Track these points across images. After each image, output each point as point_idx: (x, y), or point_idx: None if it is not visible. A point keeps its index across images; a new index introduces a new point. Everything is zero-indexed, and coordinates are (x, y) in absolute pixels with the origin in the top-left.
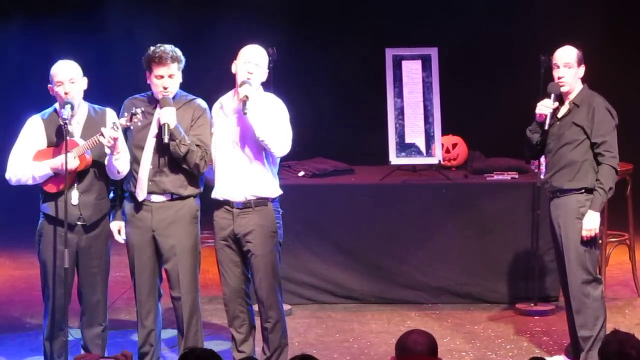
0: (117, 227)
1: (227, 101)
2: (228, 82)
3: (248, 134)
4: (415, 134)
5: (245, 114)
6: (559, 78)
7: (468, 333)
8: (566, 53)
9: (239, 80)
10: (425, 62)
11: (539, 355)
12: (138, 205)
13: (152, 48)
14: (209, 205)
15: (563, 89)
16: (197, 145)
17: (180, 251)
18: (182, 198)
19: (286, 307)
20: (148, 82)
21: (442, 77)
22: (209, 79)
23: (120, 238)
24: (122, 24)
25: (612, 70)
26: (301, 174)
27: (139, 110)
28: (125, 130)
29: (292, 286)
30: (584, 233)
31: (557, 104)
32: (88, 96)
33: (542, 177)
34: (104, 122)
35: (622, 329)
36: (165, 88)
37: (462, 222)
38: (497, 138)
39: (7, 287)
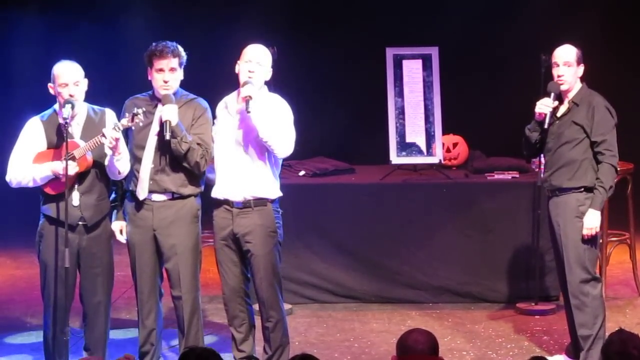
0: (118, 227)
1: (232, 101)
2: (231, 82)
3: (251, 134)
4: (415, 134)
5: (248, 112)
6: (559, 76)
7: (469, 332)
8: (566, 52)
9: (241, 80)
10: (426, 61)
11: (539, 355)
12: (139, 205)
13: (153, 44)
14: (210, 205)
15: (562, 88)
16: (198, 144)
17: (181, 250)
18: (182, 197)
19: (287, 306)
20: (149, 78)
21: (442, 77)
22: (210, 79)
23: (122, 238)
24: (123, 23)
25: (612, 69)
26: (302, 173)
27: (140, 111)
28: (126, 130)
29: (293, 285)
30: (585, 232)
31: (556, 103)
32: (88, 96)
33: (542, 176)
34: (104, 122)
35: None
36: (165, 82)
37: (463, 221)
38: (497, 137)
39: (7, 286)
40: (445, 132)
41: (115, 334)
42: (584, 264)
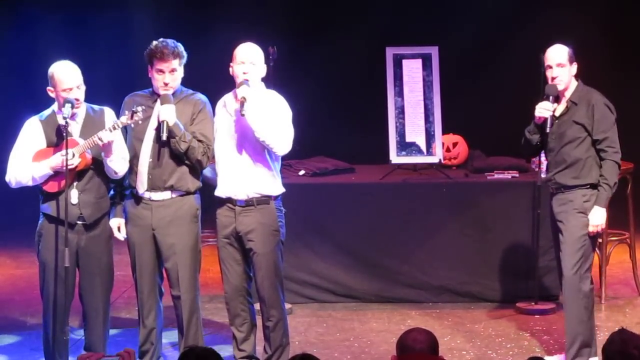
0: (116, 224)
1: (230, 100)
2: (230, 80)
3: (250, 133)
4: (415, 133)
5: (242, 115)
6: (553, 78)
7: (468, 332)
8: (557, 53)
9: (237, 82)
10: (426, 60)
11: (539, 355)
12: (138, 204)
13: (154, 42)
14: (210, 204)
15: (559, 88)
16: (200, 141)
17: (180, 250)
18: (181, 195)
19: (287, 306)
20: (149, 75)
21: (442, 76)
22: (210, 78)
23: (120, 235)
24: (122, 22)
25: (611, 67)
26: (302, 172)
27: (139, 109)
28: (126, 127)
29: (293, 285)
30: (591, 229)
31: (556, 105)
32: (87, 94)
33: (542, 175)
34: (103, 121)
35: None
36: (166, 84)
37: (463, 221)
38: (497, 137)
39: (7, 286)
40: (445, 131)
41: (115, 333)
42: (579, 259)
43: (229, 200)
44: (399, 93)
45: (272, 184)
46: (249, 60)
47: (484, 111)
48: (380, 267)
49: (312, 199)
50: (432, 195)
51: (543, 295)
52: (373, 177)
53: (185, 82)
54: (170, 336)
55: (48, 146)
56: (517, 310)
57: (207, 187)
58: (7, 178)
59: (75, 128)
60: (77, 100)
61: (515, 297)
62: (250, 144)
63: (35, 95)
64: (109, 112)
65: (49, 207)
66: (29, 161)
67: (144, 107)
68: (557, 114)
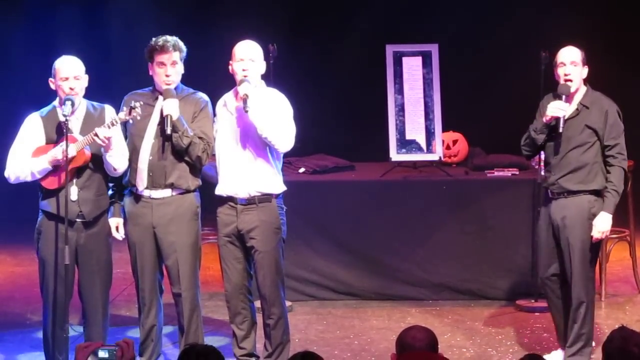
0: (115, 223)
1: (230, 99)
2: (229, 79)
3: (251, 131)
4: (415, 131)
5: (246, 112)
6: (566, 75)
7: (468, 329)
8: (572, 52)
9: (237, 79)
10: (426, 58)
11: (538, 352)
12: (138, 202)
13: (153, 39)
14: (210, 202)
15: (572, 88)
16: (200, 138)
17: (181, 248)
18: (181, 193)
19: (287, 303)
20: (150, 73)
21: (442, 74)
22: (209, 77)
23: (119, 235)
24: (123, 20)
25: (611, 65)
26: (302, 170)
27: (137, 104)
28: (125, 124)
29: (293, 283)
30: (597, 235)
31: (568, 105)
32: (88, 92)
33: (542, 173)
34: (103, 118)
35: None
36: (168, 76)
37: (463, 218)
38: (497, 134)
39: (7, 283)
40: (445, 129)
41: (115, 331)
42: (589, 264)
43: (230, 198)
44: (399, 91)
45: (273, 182)
46: (248, 57)
47: (484, 109)
48: (380, 264)
49: (312, 196)
50: (432, 193)
51: (543, 292)
52: (373, 175)
53: (185, 81)
54: (170, 334)
55: (47, 143)
56: (517, 307)
57: (207, 185)
58: (6, 173)
59: (75, 125)
60: (71, 89)
61: (515, 294)
62: (252, 142)
63: (35, 91)
64: (109, 110)
65: (48, 204)
66: (28, 157)
67: (142, 103)
68: (566, 117)
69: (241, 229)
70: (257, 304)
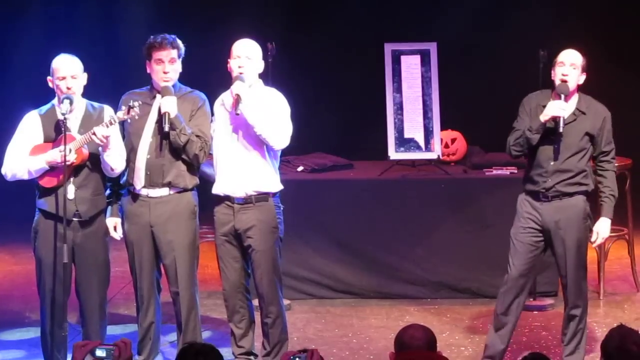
0: (112, 223)
1: (228, 97)
2: (228, 78)
3: (248, 130)
4: (414, 129)
5: (237, 114)
6: (564, 75)
7: (467, 328)
8: (574, 54)
9: (233, 77)
10: (424, 57)
11: (537, 350)
12: (135, 201)
13: (151, 36)
14: (208, 201)
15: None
16: (197, 136)
17: (178, 247)
18: (179, 191)
19: (285, 302)
20: (148, 71)
21: (441, 72)
22: (208, 76)
23: (116, 235)
24: (122, 19)
25: (611, 64)
26: (300, 169)
27: (136, 104)
28: (123, 123)
29: (291, 281)
30: (600, 241)
31: (568, 104)
32: (87, 91)
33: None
34: (102, 118)
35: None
36: (165, 73)
37: (461, 217)
38: (496, 133)
39: (6, 282)
40: (443, 127)
41: (114, 330)
42: (584, 266)
43: (227, 198)
44: (398, 89)
45: (270, 181)
46: (244, 54)
47: (482, 107)
48: (379, 263)
49: (311, 195)
50: (431, 192)
51: (541, 291)
52: (371, 173)
53: (183, 79)
54: (168, 332)
55: (45, 141)
56: None
57: (205, 183)
58: (3, 171)
59: (73, 124)
60: (68, 88)
61: None
62: (249, 141)
63: (35, 88)
64: (108, 110)
65: (45, 203)
66: (25, 155)
67: (140, 102)
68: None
69: (238, 228)
70: (256, 302)
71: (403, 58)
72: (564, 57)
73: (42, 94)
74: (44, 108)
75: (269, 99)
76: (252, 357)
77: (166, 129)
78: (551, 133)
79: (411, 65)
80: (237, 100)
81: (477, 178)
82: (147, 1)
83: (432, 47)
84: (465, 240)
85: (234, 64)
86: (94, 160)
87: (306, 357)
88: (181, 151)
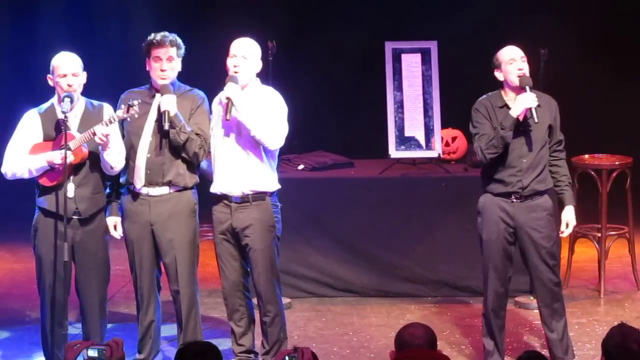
0: (113, 222)
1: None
2: (226, 76)
3: (245, 129)
4: (414, 128)
5: (227, 120)
6: (520, 69)
7: (467, 326)
8: (518, 49)
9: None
10: (425, 55)
11: (537, 349)
12: (135, 200)
13: (152, 34)
14: (208, 199)
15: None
16: (197, 134)
17: (179, 245)
18: (179, 190)
19: (286, 300)
20: (147, 68)
21: (441, 71)
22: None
23: (117, 234)
24: (122, 17)
25: (612, 62)
26: (301, 167)
27: (135, 102)
28: (123, 122)
29: (292, 279)
30: (570, 230)
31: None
32: (86, 90)
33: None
34: (101, 117)
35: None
36: (163, 70)
37: (462, 215)
38: None
39: (6, 280)
40: (444, 126)
41: (114, 328)
42: (557, 265)
43: (224, 197)
44: (398, 87)
45: (267, 180)
46: (240, 53)
47: None
48: (380, 261)
49: (311, 193)
50: (431, 190)
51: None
52: (372, 172)
53: (183, 78)
54: (169, 331)
55: (45, 139)
56: (515, 304)
57: (205, 182)
58: (3, 170)
59: (73, 122)
60: (69, 85)
61: (514, 291)
62: (245, 140)
63: (34, 87)
64: (107, 109)
65: (44, 201)
66: (25, 154)
67: (139, 101)
68: (522, 118)
69: (235, 227)
70: (255, 300)
71: (404, 56)
72: (512, 53)
73: (42, 93)
74: (44, 106)
75: (265, 99)
76: (252, 356)
77: (166, 127)
78: (517, 131)
79: (412, 64)
80: (228, 104)
81: (477, 176)
82: (147, 0)
83: (433, 46)
84: (466, 239)
85: (230, 63)
86: (94, 159)
87: (297, 356)
88: (181, 149)
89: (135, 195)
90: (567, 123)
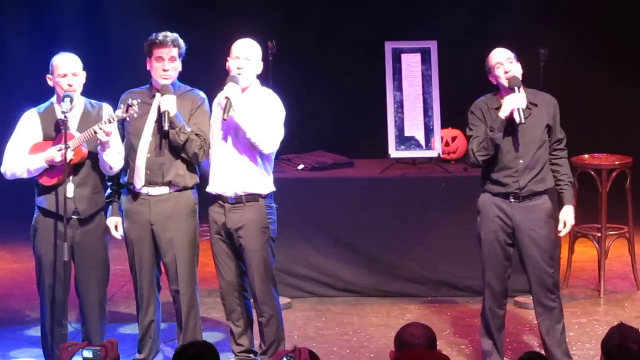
0: (114, 222)
1: (222, 98)
2: (226, 76)
3: (241, 131)
4: (414, 127)
5: (224, 120)
6: (507, 72)
7: (467, 326)
8: (506, 51)
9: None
10: (425, 55)
11: (537, 349)
12: (135, 200)
13: (153, 34)
14: (208, 199)
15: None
16: (197, 135)
17: (179, 245)
18: (179, 190)
19: (286, 300)
20: (148, 68)
21: (441, 71)
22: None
23: (117, 234)
24: (122, 17)
25: (612, 61)
26: (300, 167)
27: (135, 102)
28: (122, 122)
29: (292, 279)
30: (567, 229)
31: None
32: (86, 90)
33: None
34: (101, 117)
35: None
36: (165, 70)
37: (462, 215)
38: None
39: (6, 280)
40: (444, 125)
41: (114, 328)
42: (556, 267)
43: (219, 197)
44: (398, 87)
45: (261, 183)
46: (243, 55)
47: None
48: (379, 261)
49: (311, 193)
50: (431, 190)
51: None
52: (372, 172)
53: (183, 78)
54: (169, 330)
55: (45, 139)
56: (515, 304)
57: (205, 182)
58: (2, 169)
59: (72, 122)
60: (69, 85)
61: (514, 291)
62: (241, 142)
63: (33, 87)
64: (107, 108)
65: (44, 201)
66: (24, 153)
67: (139, 101)
68: (517, 119)
69: (229, 227)
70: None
71: (403, 56)
72: (499, 57)
73: (41, 93)
74: (43, 106)
75: (263, 102)
76: (252, 355)
77: (166, 127)
78: (511, 132)
79: (412, 64)
80: (227, 104)
81: (477, 176)
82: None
83: (433, 46)
84: (466, 238)
85: (232, 64)
86: (93, 159)
87: (294, 356)
88: (180, 150)
89: (135, 195)
90: (567, 123)
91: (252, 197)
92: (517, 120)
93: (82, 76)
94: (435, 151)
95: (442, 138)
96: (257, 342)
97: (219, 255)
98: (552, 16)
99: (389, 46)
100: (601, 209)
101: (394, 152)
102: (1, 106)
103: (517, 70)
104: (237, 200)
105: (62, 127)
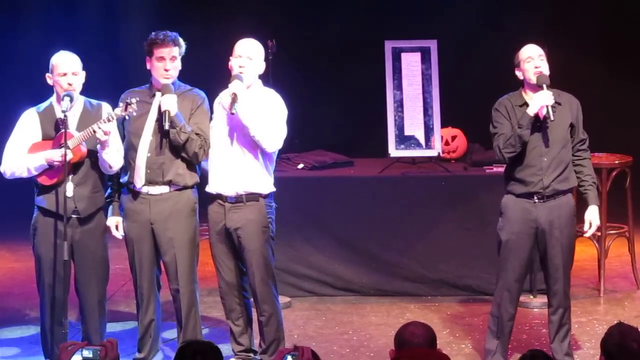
0: (114, 222)
1: (226, 96)
2: (228, 76)
3: (244, 131)
4: (414, 126)
5: (232, 114)
6: (536, 67)
7: (467, 325)
8: (537, 47)
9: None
10: (425, 54)
11: (537, 348)
12: (135, 199)
13: (153, 33)
14: (208, 198)
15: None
16: (197, 134)
17: (179, 244)
18: (179, 189)
19: (286, 299)
20: (148, 67)
21: (441, 70)
22: (207, 74)
23: (118, 234)
24: (121, 16)
25: (612, 61)
26: (300, 166)
27: (134, 100)
28: (123, 121)
29: (292, 278)
30: (593, 229)
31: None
32: (85, 89)
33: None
34: (100, 116)
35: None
36: (166, 70)
37: (462, 214)
38: None
39: (6, 279)
40: (444, 125)
41: (114, 327)
42: (571, 267)
43: (219, 196)
44: (398, 86)
45: (261, 182)
46: (246, 54)
47: (482, 105)
48: (379, 260)
49: (311, 192)
50: (431, 189)
51: (541, 288)
52: (372, 171)
53: (183, 77)
54: (169, 329)
55: (44, 138)
56: None
57: (205, 182)
58: (2, 169)
59: (72, 121)
60: (69, 84)
61: None
62: (243, 141)
63: (33, 86)
64: (106, 108)
65: (43, 200)
66: (24, 153)
67: (138, 99)
68: (542, 116)
69: (229, 227)
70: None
71: (403, 55)
72: (530, 52)
73: (40, 92)
74: (42, 105)
75: (266, 101)
76: (251, 354)
77: (166, 127)
78: (537, 130)
79: (411, 63)
80: (234, 99)
81: (477, 175)
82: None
83: (433, 45)
84: (466, 238)
85: (234, 63)
86: (93, 158)
87: (297, 355)
88: (181, 149)
89: (136, 194)
90: None
91: (253, 197)
92: (548, 117)
93: (81, 75)
94: (435, 150)
95: (442, 137)
96: (257, 341)
97: (218, 255)
98: (553, 15)
99: (389, 45)
100: (601, 208)
101: (393, 151)
102: (1, 106)
103: (546, 68)
104: (238, 199)
105: (61, 127)
